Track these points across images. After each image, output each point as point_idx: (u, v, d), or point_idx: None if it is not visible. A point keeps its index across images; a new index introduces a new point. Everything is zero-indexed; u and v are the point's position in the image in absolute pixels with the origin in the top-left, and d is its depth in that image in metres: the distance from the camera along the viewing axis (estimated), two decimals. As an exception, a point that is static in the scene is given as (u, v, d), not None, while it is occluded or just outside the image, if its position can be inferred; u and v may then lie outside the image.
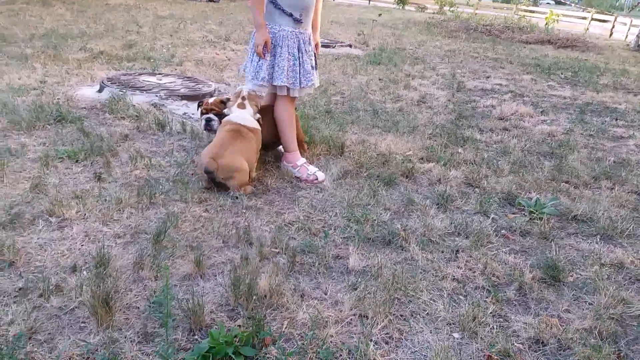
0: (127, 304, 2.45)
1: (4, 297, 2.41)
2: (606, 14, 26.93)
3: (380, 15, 19.49)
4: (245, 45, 10.76)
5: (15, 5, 13.97)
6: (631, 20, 22.45)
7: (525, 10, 26.31)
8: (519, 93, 8.43)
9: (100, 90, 5.75)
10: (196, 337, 2.30)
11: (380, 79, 8.32)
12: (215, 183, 3.64)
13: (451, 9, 23.99)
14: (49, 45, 8.74)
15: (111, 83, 5.86)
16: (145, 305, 2.45)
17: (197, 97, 5.75)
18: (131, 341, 2.23)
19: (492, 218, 3.76)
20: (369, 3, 33.13)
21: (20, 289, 2.48)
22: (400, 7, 28.33)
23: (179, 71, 7.50)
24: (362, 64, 9.36)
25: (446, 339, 2.46)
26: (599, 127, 6.59)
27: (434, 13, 23.85)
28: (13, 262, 2.67)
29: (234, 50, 10.04)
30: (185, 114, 5.38)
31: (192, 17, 15.15)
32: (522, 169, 4.76)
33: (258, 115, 3.98)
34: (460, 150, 5.18)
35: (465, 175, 4.49)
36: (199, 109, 4.26)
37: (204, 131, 4.25)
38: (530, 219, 3.80)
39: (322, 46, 11.14)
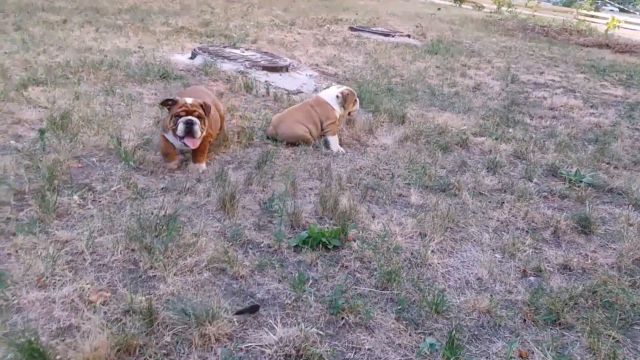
0: (243, 205, 3.19)
1: (152, 191, 3.20)
2: (672, 23, 26.14)
3: (439, 9, 19.83)
4: (309, 30, 11.48)
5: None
6: (697, 31, 21.87)
7: (586, 15, 25.95)
8: (570, 89, 8.78)
9: (192, 57, 6.59)
10: (296, 231, 3.01)
11: (437, 67, 8.86)
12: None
13: (509, 9, 23.99)
14: (135, 19, 9.70)
15: (202, 52, 6.68)
16: (256, 207, 3.19)
17: (276, 69, 6.50)
18: (249, 229, 2.96)
19: (535, 182, 4.31)
20: None
21: (162, 188, 3.26)
22: (457, 5, 28.45)
23: (255, 47, 8.28)
24: (420, 53, 9.91)
25: (490, 257, 3.07)
26: (646, 122, 6.92)
27: (491, 12, 23.92)
28: (152, 171, 3.47)
29: (300, 34, 10.76)
30: (266, 81, 6.12)
31: (258, 3, 15.99)
32: (566, 149, 5.25)
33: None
34: (510, 130, 5.70)
35: (514, 149, 5.03)
36: (166, 109, 3.55)
37: (180, 137, 3.41)
38: (569, 186, 4.32)
39: (382, 34, 11.74)
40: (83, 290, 2.27)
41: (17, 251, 2.50)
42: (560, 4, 39.12)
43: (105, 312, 2.16)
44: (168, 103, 3.48)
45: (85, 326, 2.06)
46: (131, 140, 3.84)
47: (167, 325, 2.12)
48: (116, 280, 2.38)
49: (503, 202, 3.83)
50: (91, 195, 3.08)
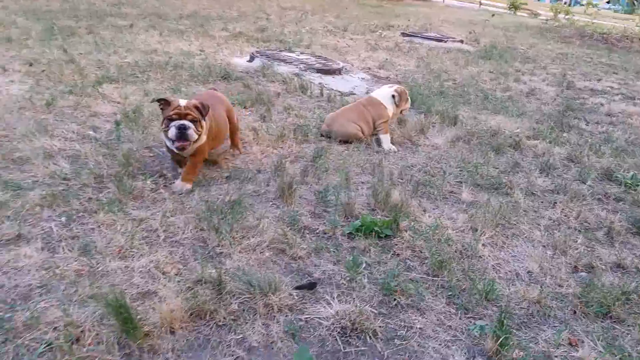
0: (299, 195, 3.37)
1: (218, 180, 3.45)
2: None
3: (493, 16, 19.55)
4: (361, 36, 11.65)
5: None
6: None
7: (650, 22, 24.83)
8: (630, 96, 8.52)
9: (250, 60, 6.89)
10: (349, 220, 3.16)
11: (490, 72, 8.82)
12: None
13: (567, 16, 23.33)
14: (196, 24, 10.16)
15: (260, 55, 6.98)
16: (312, 197, 3.36)
17: (329, 72, 6.70)
18: (305, 216, 3.14)
19: (589, 185, 4.27)
20: (480, 6, 32.86)
21: (226, 177, 3.50)
22: (512, 12, 27.88)
23: (309, 52, 8.52)
24: (473, 58, 9.88)
25: (541, 252, 3.11)
26: None
27: (547, 19, 23.32)
28: (215, 161, 3.71)
29: (352, 39, 10.94)
30: (320, 83, 6.33)
31: (312, 10, 16.32)
32: (622, 153, 5.15)
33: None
34: (565, 134, 5.65)
35: (568, 152, 4.99)
36: (161, 108, 3.31)
37: (173, 142, 3.20)
38: (625, 189, 4.27)
39: (434, 40, 11.76)
40: (158, 262, 2.51)
41: (99, 226, 2.77)
42: (622, 12, 37.63)
43: (178, 282, 2.38)
44: (161, 103, 3.27)
45: (162, 292, 2.28)
46: (196, 134, 4.11)
47: (234, 295, 2.32)
48: (187, 255, 2.61)
49: (555, 203, 3.84)
50: (162, 181, 3.35)
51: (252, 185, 3.42)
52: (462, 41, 12.10)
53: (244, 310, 2.26)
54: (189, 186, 3.30)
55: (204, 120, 3.26)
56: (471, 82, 7.77)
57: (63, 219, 2.81)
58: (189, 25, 9.88)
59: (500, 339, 2.16)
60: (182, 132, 3.12)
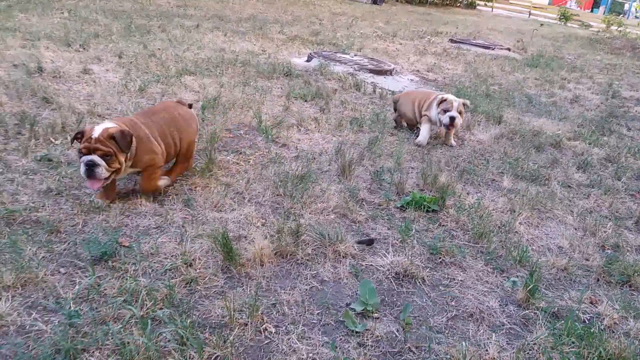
0: (356, 175, 3.88)
1: (287, 158, 4.00)
2: None
3: (542, 25, 19.56)
4: (410, 41, 12.09)
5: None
6: None
7: None
8: (677, 107, 8.62)
9: (308, 60, 7.47)
10: (401, 196, 3.64)
11: (536, 79, 9.10)
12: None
13: (619, 28, 23.00)
14: (255, 27, 10.83)
15: (317, 55, 7.55)
16: (367, 177, 3.87)
17: (381, 72, 7.21)
18: (362, 191, 3.65)
19: (624, 182, 4.60)
20: (529, 16, 32.62)
21: (295, 156, 4.05)
22: (563, 23, 27.64)
23: (361, 54, 9.04)
24: (519, 65, 10.16)
25: (572, 233, 3.51)
26: None
27: (598, 31, 23.06)
28: (285, 144, 4.28)
29: (402, 44, 11.39)
30: (372, 82, 6.85)
31: (361, 16, 16.84)
32: (661, 157, 5.42)
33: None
34: (605, 137, 5.94)
35: (607, 153, 5.31)
36: (75, 144, 3.03)
37: (86, 178, 2.87)
38: (659, 188, 4.57)
39: (482, 47, 12.07)
40: (247, 215, 3.07)
41: (196, 188, 3.37)
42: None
43: (264, 230, 2.93)
44: (78, 137, 2.91)
45: (252, 236, 2.84)
46: (267, 121, 4.69)
47: (308, 243, 2.86)
48: (268, 212, 3.17)
49: (589, 194, 4.21)
50: (242, 157, 3.93)
51: (315, 165, 3.96)
52: (509, 49, 12.35)
53: (316, 254, 2.79)
54: (163, 184, 3.22)
55: (124, 152, 2.88)
56: (516, 87, 8.10)
57: (166, 179, 3.41)
58: (249, 28, 10.56)
59: (530, 287, 2.60)
60: (90, 170, 2.80)
